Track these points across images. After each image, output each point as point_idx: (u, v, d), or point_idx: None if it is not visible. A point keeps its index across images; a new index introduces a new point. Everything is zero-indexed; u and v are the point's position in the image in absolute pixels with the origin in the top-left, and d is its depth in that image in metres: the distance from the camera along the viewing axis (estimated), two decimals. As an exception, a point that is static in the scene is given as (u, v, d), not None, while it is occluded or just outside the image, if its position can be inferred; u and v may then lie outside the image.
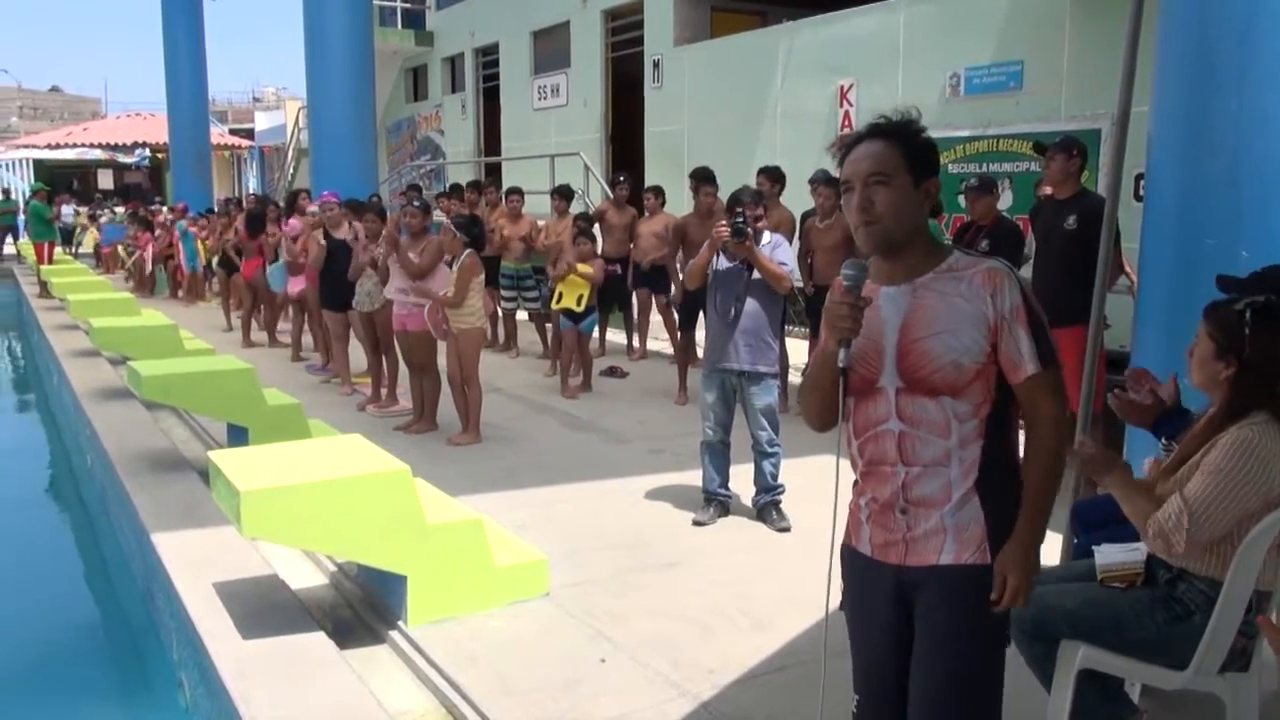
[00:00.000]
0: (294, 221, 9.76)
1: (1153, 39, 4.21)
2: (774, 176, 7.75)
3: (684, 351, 8.08)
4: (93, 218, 21.19)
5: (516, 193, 9.97)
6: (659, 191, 9.34)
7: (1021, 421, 2.15)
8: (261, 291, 10.76)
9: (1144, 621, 2.59)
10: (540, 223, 9.73)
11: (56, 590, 5.72)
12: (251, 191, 26.50)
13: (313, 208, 9.50)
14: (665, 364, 9.39)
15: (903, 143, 2.10)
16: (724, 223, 4.89)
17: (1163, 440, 3.02)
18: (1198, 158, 4.11)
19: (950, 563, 2.10)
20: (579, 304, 8.07)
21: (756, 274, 4.89)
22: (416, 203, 7.24)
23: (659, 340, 10.38)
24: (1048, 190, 5.83)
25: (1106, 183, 3.91)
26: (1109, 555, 2.77)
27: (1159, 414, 3.02)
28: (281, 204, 11.57)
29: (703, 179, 8.02)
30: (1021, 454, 2.16)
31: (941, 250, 2.13)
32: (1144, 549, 2.73)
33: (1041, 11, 9.02)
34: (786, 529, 4.93)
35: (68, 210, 21.73)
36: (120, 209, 19.29)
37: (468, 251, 6.52)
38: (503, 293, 9.84)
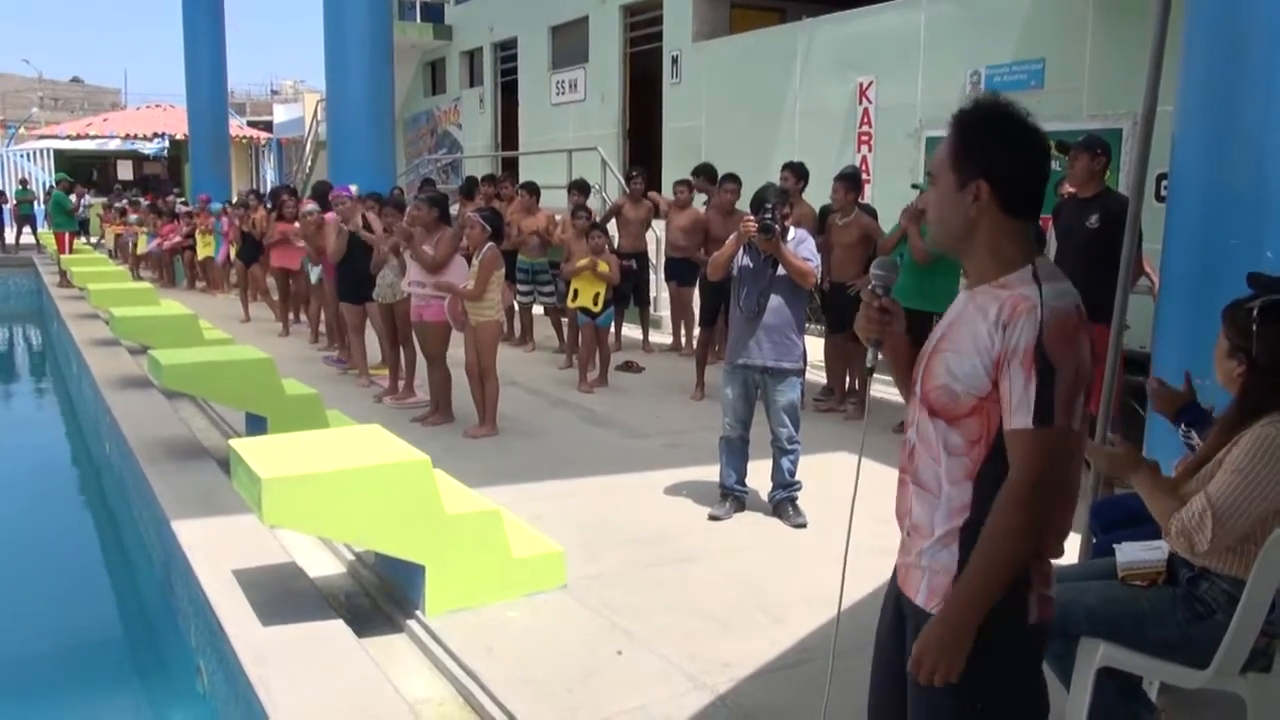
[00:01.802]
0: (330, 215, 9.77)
1: (1177, 38, 4.19)
2: (798, 172, 7.76)
3: (704, 347, 8.09)
4: (108, 208, 21.29)
5: (526, 189, 9.98)
6: (690, 185, 9.35)
7: None
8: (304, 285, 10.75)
9: (1165, 620, 2.59)
10: (557, 217, 9.75)
11: (75, 577, 5.77)
12: (273, 184, 26.59)
13: (308, 206, 9.50)
14: (681, 359, 9.40)
15: (957, 133, 1.90)
16: (751, 219, 4.90)
17: (1182, 427, 3.02)
18: (1222, 158, 4.09)
19: (921, 605, 1.93)
20: (595, 303, 8.08)
21: (781, 270, 4.89)
22: (425, 196, 7.28)
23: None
24: (1070, 189, 5.81)
25: (1130, 182, 3.89)
26: (1130, 553, 2.77)
27: (1184, 403, 3.04)
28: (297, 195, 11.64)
29: (712, 176, 8.06)
30: None
31: (1015, 261, 1.85)
32: (1165, 547, 2.72)
33: (1063, 10, 8.98)
34: (803, 525, 4.93)
35: (84, 201, 21.86)
36: (141, 201, 19.34)
37: (489, 244, 6.55)
38: (519, 287, 9.87)
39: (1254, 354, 2.54)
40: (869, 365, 2.13)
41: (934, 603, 1.90)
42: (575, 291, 8.21)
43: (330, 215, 9.06)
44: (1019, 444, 1.77)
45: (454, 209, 9.76)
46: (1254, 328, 2.54)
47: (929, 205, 1.97)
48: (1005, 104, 1.89)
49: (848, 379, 7.49)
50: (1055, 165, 7.47)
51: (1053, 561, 1.92)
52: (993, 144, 1.86)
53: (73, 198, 19.10)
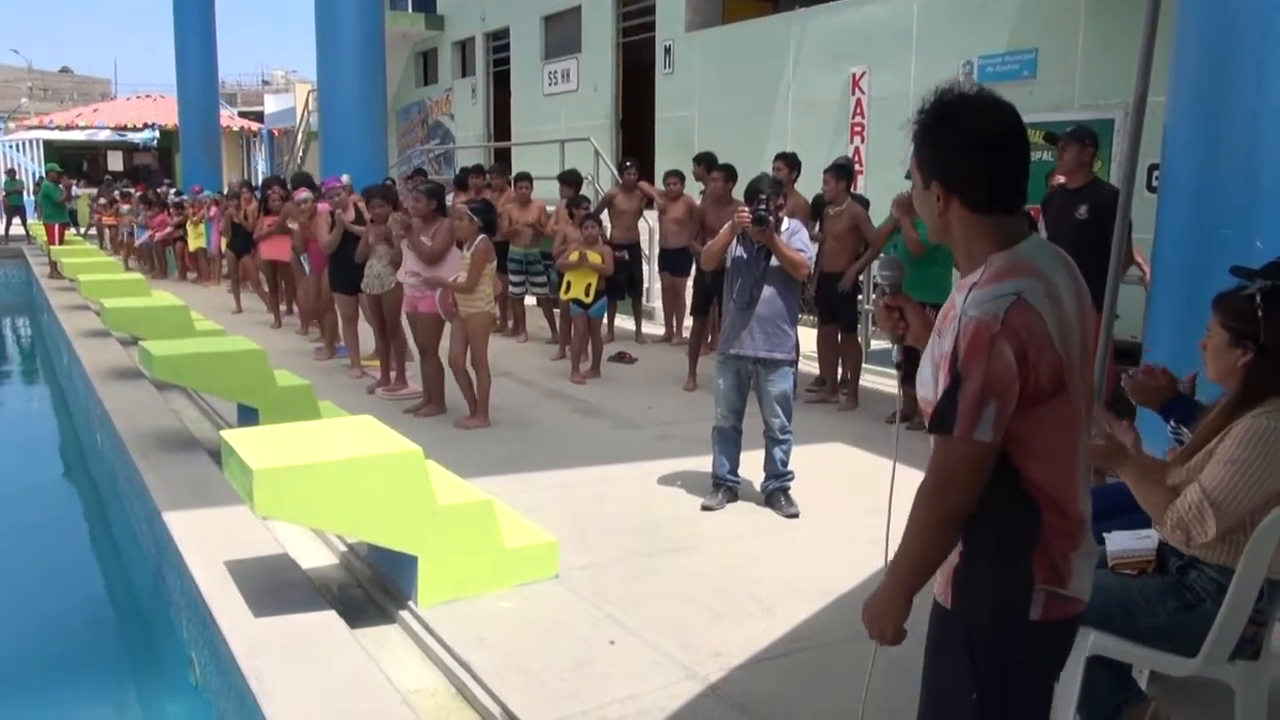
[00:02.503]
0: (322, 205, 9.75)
1: (1169, 29, 4.20)
2: (790, 162, 7.77)
3: (697, 336, 8.10)
4: (96, 199, 21.19)
5: (525, 179, 9.97)
6: (681, 176, 9.34)
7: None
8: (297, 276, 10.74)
9: (1155, 608, 2.60)
10: (549, 209, 9.74)
11: (67, 569, 5.76)
12: (265, 176, 26.52)
13: (302, 194, 9.47)
14: (673, 350, 9.40)
15: (915, 135, 1.86)
16: (745, 209, 4.89)
17: (1170, 423, 3.03)
18: (1214, 148, 4.10)
19: (935, 593, 1.95)
20: (587, 294, 8.07)
21: (774, 261, 4.90)
22: (424, 187, 7.25)
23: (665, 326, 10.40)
24: (1059, 179, 5.82)
25: (1121, 173, 3.90)
26: (1120, 542, 2.78)
27: (1169, 398, 3.04)
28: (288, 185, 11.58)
29: (711, 164, 8.06)
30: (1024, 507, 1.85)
31: (981, 259, 1.84)
32: (1155, 536, 2.74)
33: (1055, 0, 8.98)
34: (795, 515, 4.94)
35: (72, 192, 21.75)
36: (132, 192, 19.25)
37: (481, 237, 6.53)
38: (511, 278, 9.86)
39: (1262, 339, 2.54)
40: (894, 361, 2.17)
41: (941, 591, 1.92)
42: (568, 283, 8.20)
43: (323, 205, 9.03)
44: (933, 447, 1.81)
45: (449, 200, 9.71)
46: (1259, 313, 2.54)
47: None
48: (956, 102, 1.82)
49: (839, 370, 7.50)
50: (1046, 155, 7.49)
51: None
52: (944, 146, 1.83)
53: (60, 188, 18.98)
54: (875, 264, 2.43)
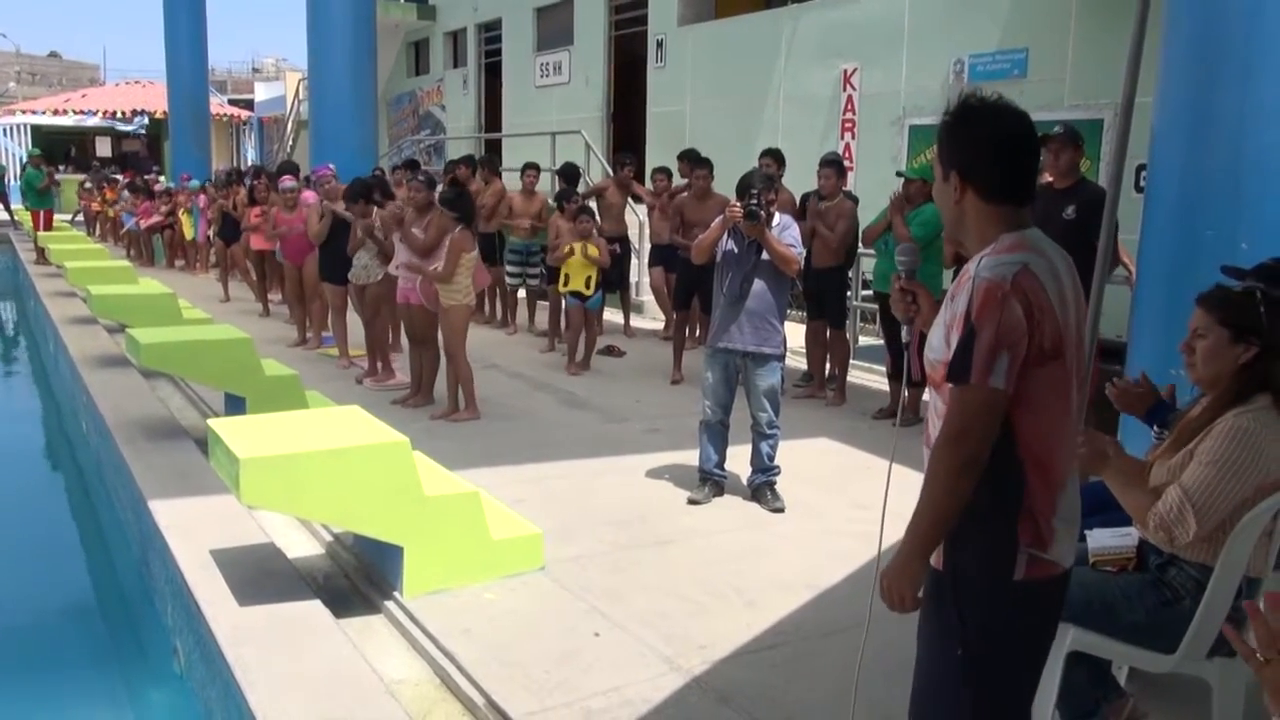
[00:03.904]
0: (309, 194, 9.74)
1: (1158, 30, 4.22)
2: (778, 159, 7.77)
3: (680, 330, 8.11)
4: (83, 185, 21.03)
5: (533, 168, 9.94)
6: (668, 173, 9.34)
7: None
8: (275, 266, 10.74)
9: (1134, 605, 2.63)
10: (550, 202, 9.73)
11: (51, 557, 5.74)
12: (251, 164, 26.39)
13: (288, 183, 9.45)
14: (662, 344, 9.41)
15: (940, 131, 2.08)
16: (736, 204, 4.90)
17: (1154, 428, 3.05)
18: (1200, 149, 4.12)
19: (930, 561, 2.07)
20: (588, 286, 8.07)
21: (765, 255, 4.91)
22: (420, 178, 7.23)
23: (655, 320, 10.41)
24: (1047, 178, 5.84)
25: (1109, 173, 3.92)
26: (1101, 540, 2.81)
27: (1152, 404, 3.07)
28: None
29: (695, 161, 8.07)
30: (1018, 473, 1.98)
31: (995, 239, 2.01)
32: (1135, 534, 2.76)
33: (1047, 0, 9.01)
34: (780, 509, 4.96)
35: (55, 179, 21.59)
36: (122, 181, 19.12)
37: (459, 226, 6.49)
38: (508, 269, 9.85)
39: (1267, 336, 2.56)
40: (904, 341, 2.30)
41: (937, 559, 2.04)
42: (566, 276, 8.19)
43: (311, 195, 9.01)
44: (948, 398, 1.96)
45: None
46: (1261, 309, 2.57)
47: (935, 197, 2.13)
48: (976, 102, 2.04)
49: (827, 366, 7.52)
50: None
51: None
52: (963, 140, 2.04)
53: (45, 174, 18.83)
54: (896, 250, 2.54)
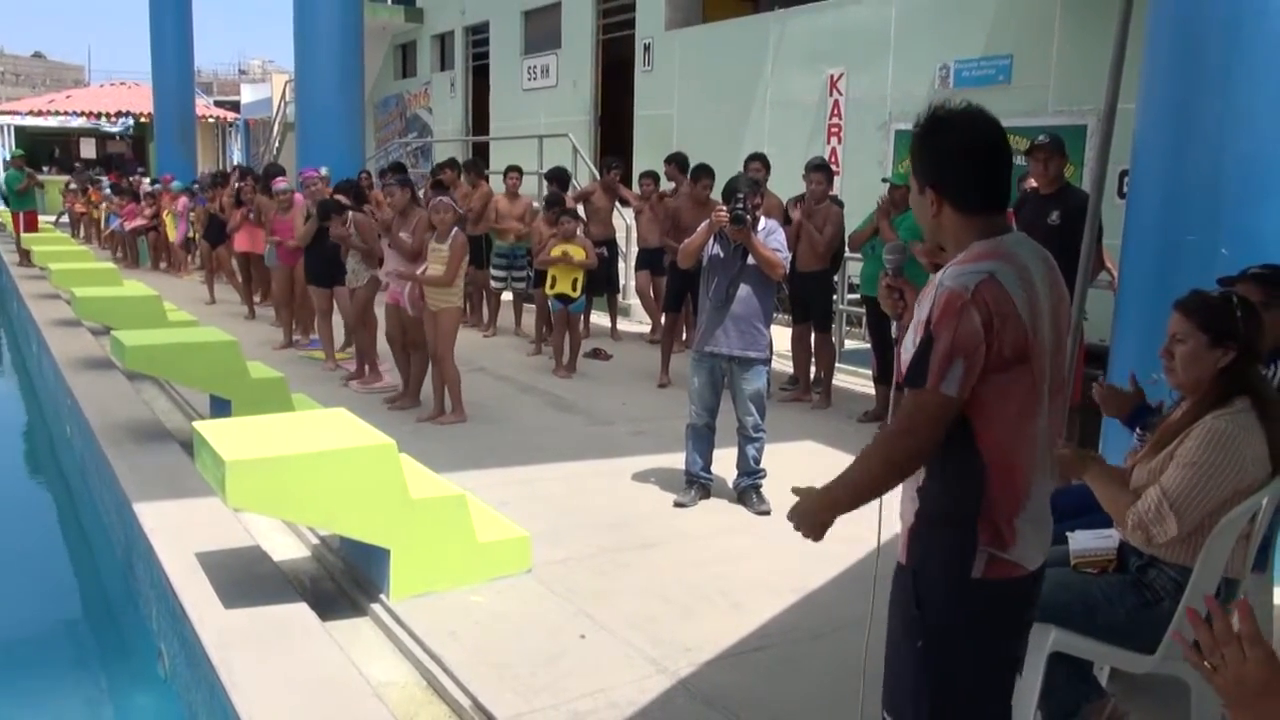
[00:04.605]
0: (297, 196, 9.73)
1: (1140, 38, 4.26)
2: (765, 164, 7.78)
3: (668, 333, 8.12)
4: (67, 186, 20.87)
5: (515, 170, 9.94)
6: (655, 178, 9.36)
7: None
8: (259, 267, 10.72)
9: (1114, 606, 2.66)
10: (535, 204, 9.73)
11: (35, 560, 5.71)
12: (236, 164, 26.29)
13: (280, 184, 9.45)
14: (649, 347, 9.43)
15: (912, 144, 2.11)
16: (722, 208, 4.92)
17: (1136, 431, 3.09)
18: (1181, 155, 4.17)
19: (898, 556, 2.12)
20: (574, 289, 8.08)
21: (751, 260, 4.93)
22: (394, 180, 7.23)
23: (642, 324, 10.42)
24: (1031, 183, 5.89)
25: (1092, 179, 3.95)
26: (1082, 541, 2.83)
27: (1135, 406, 3.10)
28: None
29: (699, 172, 8.07)
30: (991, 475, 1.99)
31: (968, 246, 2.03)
32: (1116, 536, 2.79)
33: (1031, 6, 9.08)
34: (766, 512, 4.98)
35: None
36: (105, 181, 18.99)
37: (456, 230, 6.51)
38: (494, 272, 9.84)
39: (1244, 340, 2.60)
40: (894, 337, 2.33)
41: (900, 551, 2.09)
42: (553, 278, 8.20)
43: (299, 198, 8.99)
44: (902, 398, 2.01)
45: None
46: (1238, 314, 2.61)
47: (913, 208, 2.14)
48: (945, 114, 2.04)
49: (813, 369, 7.55)
50: (1020, 159, 7.58)
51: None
52: (935, 153, 2.06)
53: (25, 175, 18.69)
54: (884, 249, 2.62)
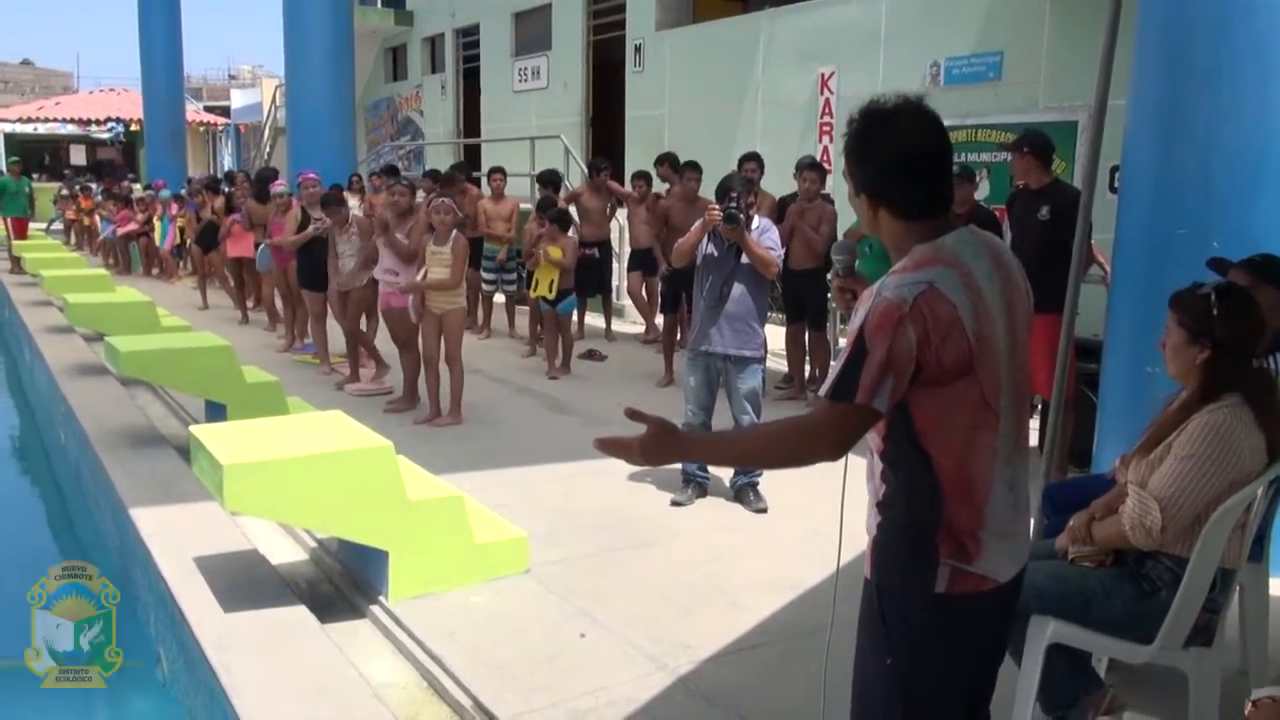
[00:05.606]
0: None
1: (1130, 33, 4.28)
2: (759, 163, 7.80)
3: (669, 333, 8.13)
4: (59, 192, 20.82)
5: (499, 172, 9.95)
6: (648, 178, 9.36)
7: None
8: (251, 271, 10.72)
9: (1112, 598, 2.67)
10: (524, 206, 9.73)
11: (30, 567, 5.67)
12: (229, 169, 26.24)
13: (279, 187, 9.44)
14: (642, 347, 9.44)
15: (844, 151, 1.98)
16: (716, 207, 4.93)
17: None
18: (1171, 152, 4.20)
19: (865, 570, 2.04)
20: (551, 290, 8.08)
21: (744, 259, 4.94)
22: (404, 183, 7.25)
23: (636, 324, 10.42)
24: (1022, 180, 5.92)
25: (1083, 174, 3.97)
26: (1079, 535, 2.85)
27: None
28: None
29: (685, 165, 8.10)
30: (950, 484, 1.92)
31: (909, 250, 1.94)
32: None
33: (1021, 3, 9.10)
34: (763, 510, 4.99)
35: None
36: (94, 187, 18.95)
37: (455, 232, 6.53)
38: (484, 275, 9.85)
39: (1218, 337, 2.61)
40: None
41: (867, 568, 2.01)
42: (536, 280, 8.21)
43: (295, 200, 8.98)
44: (820, 407, 1.89)
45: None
46: (1214, 312, 2.62)
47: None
48: (879, 120, 1.94)
49: (807, 368, 7.57)
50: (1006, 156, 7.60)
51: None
52: (868, 162, 1.95)
53: (16, 182, 18.63)
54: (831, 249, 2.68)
